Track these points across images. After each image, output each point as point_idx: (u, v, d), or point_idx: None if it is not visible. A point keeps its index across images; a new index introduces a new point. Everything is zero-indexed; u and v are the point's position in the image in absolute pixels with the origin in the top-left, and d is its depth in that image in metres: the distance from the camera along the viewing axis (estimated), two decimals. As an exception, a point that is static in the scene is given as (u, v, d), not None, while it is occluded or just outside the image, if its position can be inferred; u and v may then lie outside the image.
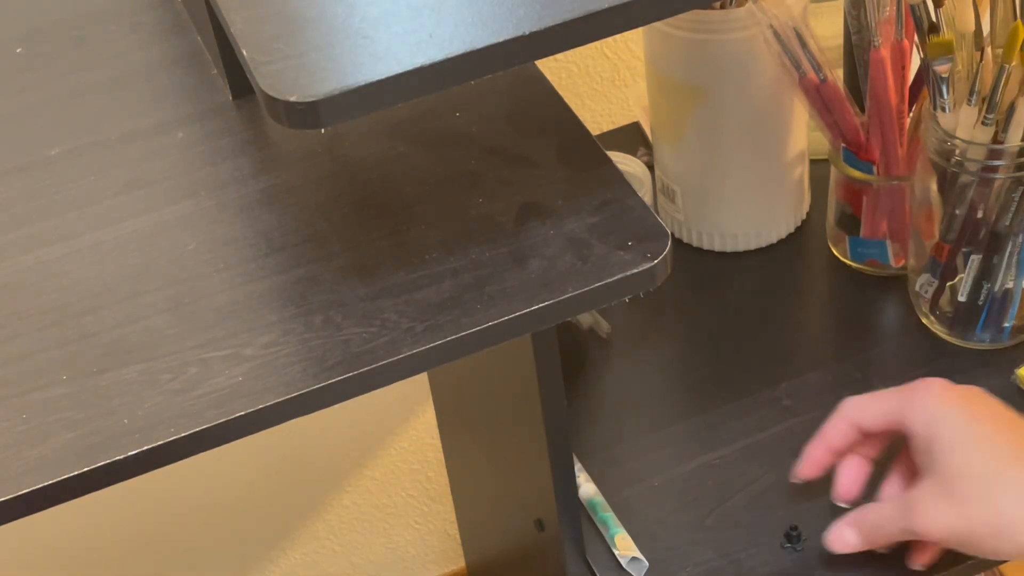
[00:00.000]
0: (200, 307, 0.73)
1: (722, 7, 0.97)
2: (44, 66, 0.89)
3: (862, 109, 0.98)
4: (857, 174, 1.00)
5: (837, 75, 0.98)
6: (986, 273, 0.94)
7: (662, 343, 1.04)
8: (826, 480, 0.89)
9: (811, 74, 0.96)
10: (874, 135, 0.97)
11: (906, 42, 0.94)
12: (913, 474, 0.86)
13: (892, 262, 1.04)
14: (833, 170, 1.02)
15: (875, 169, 0.99)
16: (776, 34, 0.95)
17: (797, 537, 0.89)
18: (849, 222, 1.03)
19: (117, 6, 0.92)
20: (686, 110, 1.02)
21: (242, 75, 0.75)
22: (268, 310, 0.73)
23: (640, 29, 1.01)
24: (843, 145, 0.99)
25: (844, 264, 1.06)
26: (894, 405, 0.85)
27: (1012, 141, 0.88)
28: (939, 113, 0.90)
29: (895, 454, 0.88)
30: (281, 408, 0.68)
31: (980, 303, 0.96)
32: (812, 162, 1.09)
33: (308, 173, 0.80)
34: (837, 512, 0.87)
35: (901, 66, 0.95)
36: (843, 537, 0.87)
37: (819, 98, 0.97)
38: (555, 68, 1.27)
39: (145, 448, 0.67)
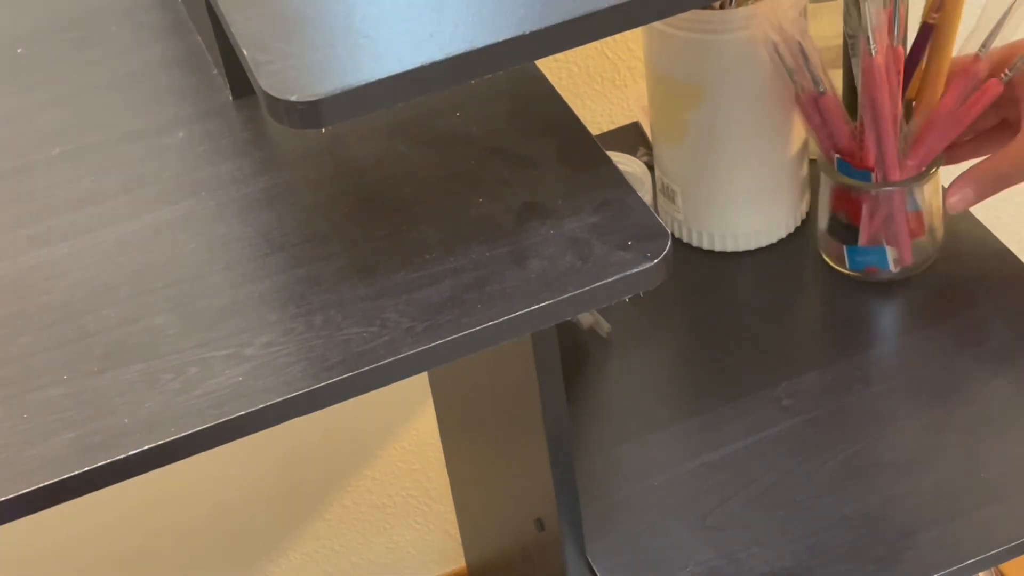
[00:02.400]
0: (200, 307, 0.73)
1: (722, 7, 0.97)
2: (44, 66, 0.89)
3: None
4: (854, 183, 0.99)
5: (836, 75, 0.97)
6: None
7: (662, 343, 1.04)
8: (828, 479, 0.89)
9: (809, 87, 0.96)
10: (869, 141, 0.97)
11: (900, 48, 0.94)
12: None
13: (892, 267, 1.03)
14: (825, 180, 1.01)
15: (872, 176, 0.98)
16: (776, 47, 0.95)
17: None
18: (844, 232, 1.02)
19: (117, 6, 0.92)
20: (686, 110, 1.02)
21: (242, 75, 0.75)
22: (268, 310, 0.73)
23: (640, 29, 1.01)
24: (837, 156, 0.99)
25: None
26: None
27: None
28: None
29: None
30: (281, 408, 0.68)
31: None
32: (812, 162, 1.09)
33: (308, 173, 0.80)
34: (841, 522, 0.87)
35: (896, 71, 0.94)
36: (964, 195, 0.93)
37: (816, 111, 0.97)
38: (555, 68, 1.27)
39: (145, 448, 0.67)
